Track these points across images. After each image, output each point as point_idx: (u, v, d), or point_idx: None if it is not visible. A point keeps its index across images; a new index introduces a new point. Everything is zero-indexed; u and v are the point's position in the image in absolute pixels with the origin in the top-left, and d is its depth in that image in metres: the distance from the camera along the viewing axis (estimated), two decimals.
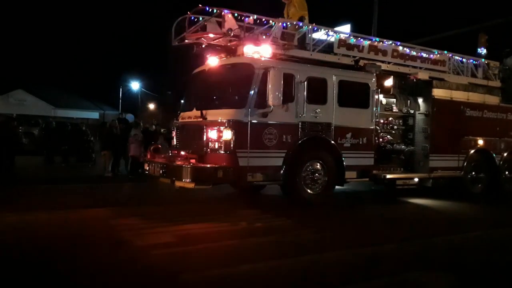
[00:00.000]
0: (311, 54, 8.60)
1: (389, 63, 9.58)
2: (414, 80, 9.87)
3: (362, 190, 11.45)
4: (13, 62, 62.32)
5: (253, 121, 7.54)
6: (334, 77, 8.49)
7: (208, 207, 8.43)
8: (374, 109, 8.97)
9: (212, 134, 7.61)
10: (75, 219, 6.91)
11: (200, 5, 8.25)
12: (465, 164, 10.31)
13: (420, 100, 10.04)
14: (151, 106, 53.15)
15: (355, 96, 8.81)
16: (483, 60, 11.40)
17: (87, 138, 17.14)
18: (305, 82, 8.06)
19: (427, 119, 9.91)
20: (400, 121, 10.13)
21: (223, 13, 8.22)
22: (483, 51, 12.13)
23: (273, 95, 7.43)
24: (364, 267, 4.93)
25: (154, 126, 15.63)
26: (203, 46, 8.61)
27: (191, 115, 8.39)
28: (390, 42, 9.62)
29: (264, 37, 8.23)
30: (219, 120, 7.57)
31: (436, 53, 10.33)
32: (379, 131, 9.44)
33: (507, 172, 11.16)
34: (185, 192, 8.62)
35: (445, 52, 10.51)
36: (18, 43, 74.50)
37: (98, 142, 15.60)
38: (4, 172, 11.34)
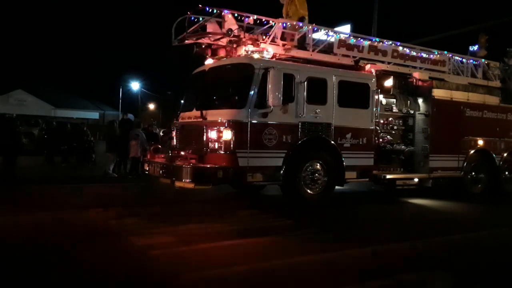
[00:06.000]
0: (311, 54, 8.60)
1: (389, 63, 9.58)
2: (414, 80, 9.87)
3: (362, 190, 11.46)
4: (13, 62, 62.50)
5: (253, 121, 7.54)
6: (334, 78, 8.49)
7: (208, 207, 8.43)
8: (374, 109, 8.97)
9: (212, 134, 7.61)
10: (75, 219, 6.91)
11: (200, 5, 8.25)
12: (465, 164, 10.31)
13: (420, 101, 10.04)
14: (151, 106, 53.26)
15: (355, 96, 8.81)
16: (483, 60, 11.41)
17: (87, 138, 17.14)
18: (305, 82, 8.06)
19: (427, 120, 9.91)
20: (400, 121, 10.12)
21: (223, 13, 8.22)
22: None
23: (273, 95, 7.43)
24: (364, 267, 4.93)
25: (148, 126, 15.55)
26: (203, 46, 8.61)
27: (191, 115, 8.39)
28: (390, 42, 9.62)
29: (264, 37, 8.23)
30: (219, 120, 7.57)
31: (436, 53, 10.33)
32: (379, 131, 9.43)
33: (507, 172, 11.16)
34: (185, 192, 8.63)
35: (445, 52, 10.51)
36: (18, 43, 74.61)
37: (102, 143, 15.58)
38: (4, 171, 11.33)
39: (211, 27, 8.39)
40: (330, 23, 11.45)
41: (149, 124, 16.91)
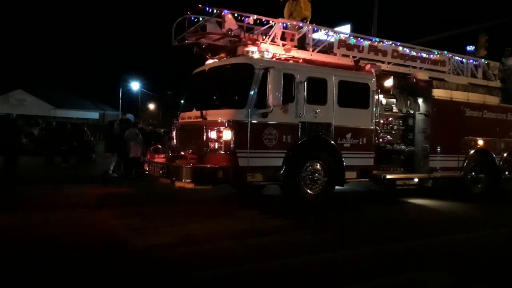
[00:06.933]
0: (311, 54, 8.60)
1: (389, 63, 9.58)
2: (414, 81, 9.87)
3: (362, 190, 11.46)
4: (13, 62, 62.51)
5: (253, 121, 7.54)
6: (334, 77, 8.49)
7: (208, 207, 8.43)
8: (374, 109, 8.96)
9: (212, 134, 7.61)
10: (75, 219, 6.91)
11: (200, 5, 8.25)
12: (465, 164, 10.31)
13: (420, 101, 10.04)
14: (151, 106, 53.28)
15: (355, 96, 8.81)
16: (483, 60, 11.41)
17: (87, 138, 17.14)
18: (305, 82, 8.06)
19: (427, 120, 9.91)
20: (400, 121, 10.12)
21: (223, 13, 8.22)
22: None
23: (273, 95, 7.42)
24: (364, 267, 4.93)
25: (149, 126, 15.54)
26: (203, 46, 8.61)
27: (191, 115, 8.39)
28: (390, 42, 9.62)
29: (264, 37, 8.23)
30: (219, 120, 7.56)
31: (436, 53, 10.33)
32: (379, 131, 9.43)
33: (507, 172, 11.16)
34: (185, 192, 8.63)
35: (445, 52, 10.51)
36: (18, 43, 74.62)
37: (102, 143, 15.57)
38: (5, 171, 11.34)
39: (211, 27, 8.39)
40: (330, 23, 11.44)
41: (151, 124, 16.86)
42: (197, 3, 8.28)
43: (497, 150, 10.87)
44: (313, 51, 8.63)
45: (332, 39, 8.88)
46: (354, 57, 9.06)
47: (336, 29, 10.38)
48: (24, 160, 13.84)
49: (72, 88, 52.50)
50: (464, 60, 10.96)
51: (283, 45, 8.30)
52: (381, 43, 9.52)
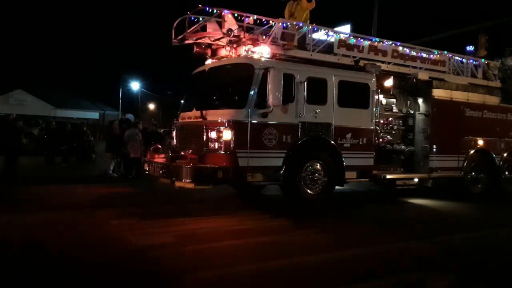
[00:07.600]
0: (311, 55, 8.60)
1: (389, 63, 9.58)
2: (414, 81, 9.87)
3: (362, 190, 11.45)
4: (13, 62, 62.58)
5: (253, 121, 7.54)
6: (334, 78, 8.49)
7: (208, 207, 8.43)
8: (374, 109, 8.96)
9: (212, 134, 7.61)
10: (76, 219, 6.91)
11: (200, 5, 8.26)
12: (465, 164, 10.31)
13: (420, 101, 10.05)
14: (151, 106, 53.30)
15: (355, 96, 8.81)
16: (483, 60, 11.41)
17: (87, 138, 17.14)
18: (305, 83, 8.06)
19: (427, 120, 9.91)
20: (400, 121, 10.11)
21: (223, 13, 8.23)
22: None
23: (273, 95, 7.42)
24: (364, 267, 4.93)
25: (151, 126, 15.53)
26: (203, 46, 8.61)
27: (191, 115, 8.39)
28: (390, 42, 9.62)
29: (264, 37, 8.23)
30: (219, 120, 7.57)
31: (436, 53, 10.33)
32: (379, 131, 9.42)
33: (507, 172, 11.16)
34: (185, 192, 8.62)
35: (445, 52, 10.51)
36: (18, 43, 74.66)
37: (102, 143, 15.56)
38: (6, 172, 11.34)
39: (211, 27, 8.39)
40: (330, 23, 11.44)
41: (152, 124, 16.80)
42: (197, 3, 8.29)
43: (497, 150, 10.87)
44: (313, 51, 8.63)
45: (332, 39, 8.88)
46: (354, 57, 9.06)
47: (336, 29, 10.38)
48: (24, 160, 13.83)
49: (72, 88, 52.63)
50: (464, 60, 10.96)
51: (283, 45, 8.30)
52: (381, 43, 9.52)
